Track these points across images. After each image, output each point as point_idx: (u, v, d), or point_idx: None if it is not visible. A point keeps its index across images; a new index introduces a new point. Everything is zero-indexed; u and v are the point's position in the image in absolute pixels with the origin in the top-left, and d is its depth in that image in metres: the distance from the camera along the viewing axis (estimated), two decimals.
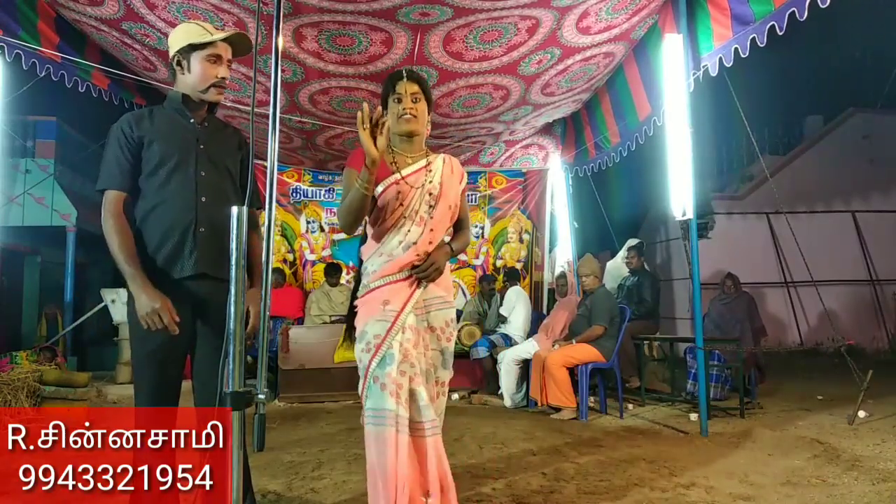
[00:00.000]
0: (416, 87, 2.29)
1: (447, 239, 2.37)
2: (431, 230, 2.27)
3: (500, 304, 6.75)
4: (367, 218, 2.31)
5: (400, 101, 2.27)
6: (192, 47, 2.20)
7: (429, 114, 2.35)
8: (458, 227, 2.43)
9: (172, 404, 2.11)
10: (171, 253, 2.14)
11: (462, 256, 7.76)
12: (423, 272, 2.22)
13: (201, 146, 2.24)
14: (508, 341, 6.27)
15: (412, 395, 2.15)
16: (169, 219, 2.15)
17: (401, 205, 2.25)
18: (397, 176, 2.26)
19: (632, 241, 7.14)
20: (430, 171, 2.31)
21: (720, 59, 4.24)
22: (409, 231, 2.25)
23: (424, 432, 2.14)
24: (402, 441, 2.07)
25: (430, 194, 2.29)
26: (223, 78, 2.24)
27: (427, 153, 2.37)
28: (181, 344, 2.16)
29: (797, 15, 3.58)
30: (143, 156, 2.16)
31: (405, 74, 2.28)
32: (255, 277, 2.23)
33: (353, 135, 6.30)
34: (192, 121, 2.27)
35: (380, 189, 2.23)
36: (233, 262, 1.50)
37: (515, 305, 6.51)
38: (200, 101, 2.25)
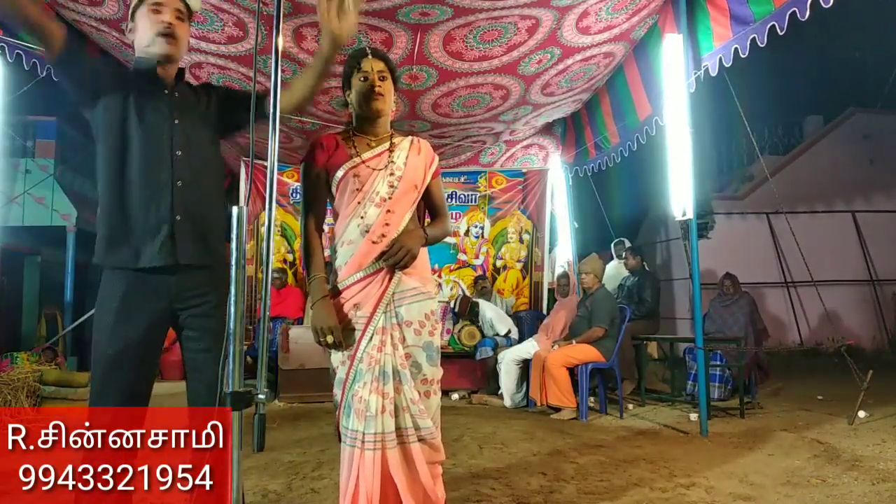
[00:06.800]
0: (381, 65, 2.13)
1: (406, 222, 2.13)
2: (389, 211, 2.09)
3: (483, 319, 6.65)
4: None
5: (366, 78, 2.10)
6: (137, 5, 2.00)
7: (394, 93, 2.21)
8: (435, 215, 2.26)
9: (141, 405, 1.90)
10: (139, 241, 1.91)
11: (462, 256, 7.76)
12: (392, 258, 2.03)
13: (176, 121, 1.98)
14: (509, 341, 6.27)
15: (367, 406, 1.99)
16: (139, 204, 1.91)
17: (359, 189, 2.09)
18: (357, 160, 2.11)
19: (615, 243, 7.21)
20: (394, 151, 2.15)
21: (720, 59, 4.24)
22: (366, 213, 2.09)
23: (385, 444, 1.99)
24: (367, 458, 1.96)
25: (392, 174, 2.12)
26: (168, 24, 1.94)
27: (392, 135, 2.20)
28: (155, 341, 1.95)
29: (798, 15, 3.57)
30: (102, 114, 1.93)
31: (369, 52, 2.13)
32: None
33: None
34: (165, 91, 1.99)
35: (339, 174, 2.10)
36: (232, 262, 1.48)
37: (496, 313, 6.52)
38: (156, 61, 1.97)
